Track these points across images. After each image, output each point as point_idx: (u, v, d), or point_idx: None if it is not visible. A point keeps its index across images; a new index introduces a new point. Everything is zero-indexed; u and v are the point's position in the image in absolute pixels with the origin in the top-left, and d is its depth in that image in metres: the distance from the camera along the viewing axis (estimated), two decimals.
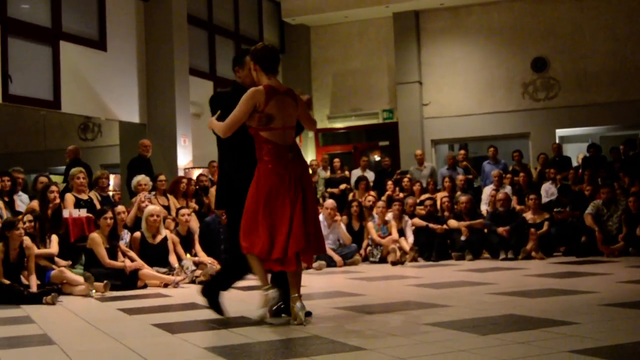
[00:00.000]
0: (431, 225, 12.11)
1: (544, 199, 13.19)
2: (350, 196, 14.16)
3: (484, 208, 13.38)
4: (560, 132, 18.02)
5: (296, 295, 5.49)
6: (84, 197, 10.47)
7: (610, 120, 17.58)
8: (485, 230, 11.86)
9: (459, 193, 13.44)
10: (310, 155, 19.06)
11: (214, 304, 5.90)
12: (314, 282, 9.46)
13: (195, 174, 13.71)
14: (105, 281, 8.43)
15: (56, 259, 8.99)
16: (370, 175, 15.63)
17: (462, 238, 11.85)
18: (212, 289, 5.98)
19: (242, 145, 5.60)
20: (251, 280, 9.60)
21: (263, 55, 5.53)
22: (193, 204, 11.94)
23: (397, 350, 4.17)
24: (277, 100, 5.40)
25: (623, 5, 17.25)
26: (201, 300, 6.00)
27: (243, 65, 5.85)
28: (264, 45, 5.65)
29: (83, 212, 9.99)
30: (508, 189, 13.53)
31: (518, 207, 12.79)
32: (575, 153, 17.71)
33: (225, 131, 5.45)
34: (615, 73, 17.20)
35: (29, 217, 8.79)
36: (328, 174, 15.95)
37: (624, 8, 17.23)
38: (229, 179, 5.80)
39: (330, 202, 12.01)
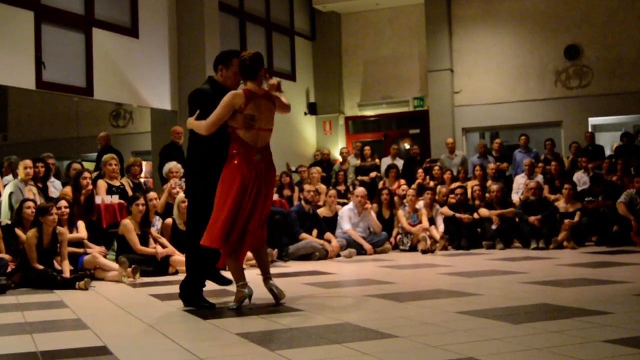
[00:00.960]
0: (457, 214, 12.04)
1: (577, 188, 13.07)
2: (380, 184, 14.14)
3: (516, 197, 13.29)
4: (593, 120, 17.83)
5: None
6: (116, 183, 10.54)
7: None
8: (517, 219, 11.77)
9: (490, 182, 13.36)
10: (340, 142, 19.07)
11: (200, 304, 5.95)
12: (345, 269, 9.48)
13: None
14: (133, 265, 8.48)
15: (89, 243, 9.06)
16: (400, 164, 15.57)
17: (493, 227, 11.78)
18: (190, 294, 6.03)
19: (212, 141, 5.79)
20: (281, 267, 9.67)
21: (241, 68, 5.83)
22: None
23: (429, 339, 4.16)
24: (256, 103, 5.73)
25: None
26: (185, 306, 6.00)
27: (229, 66, 6.02)
28: (242, 60, 5.81)
29: (115, 199, 10.06)
30: (540, 177, 13.42)
31: (550, 197, 12.69)
32: (609, 142, 17.53)
33: (208, 129, 5.69)
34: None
35: (63, 202, 8.84)
36: (358, 161, 15.92)
37: None
38: (196, 171, 5.98)
39: (360, 190, 11.98)
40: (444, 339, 4.17)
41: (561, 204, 11.93)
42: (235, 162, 5.67)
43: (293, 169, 16.13)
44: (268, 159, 5.87)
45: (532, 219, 11.40)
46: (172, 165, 11.25)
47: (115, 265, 8.51)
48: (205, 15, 14.89)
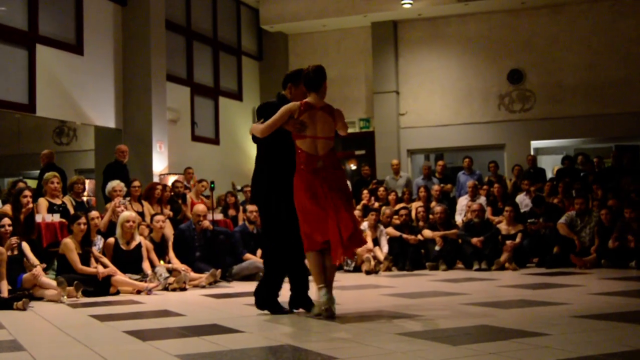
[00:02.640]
0: (405, 235, 12.13)
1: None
2: None
3: (459, 218, 13.43)
4: (535, 143, 18.15)
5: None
6: (58, 201, 10.40)
7: (585, 133, 17.71)
8: (460, 241, 11.90)
9: (434, 203, 13.47)
10: None
11: (275, 309, 6.39)
12: (287, 290, 9.42)
13: (170, 180, 13.66)
14: (75, 282, 8.34)
15: (31, 257, 8.83)
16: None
17: (437, 248, 11.88)
18: (265, 298, 6.42)
19: (280, 149, 6.26)
20: (225, 287, 9.61)
21: (305, 76, 6.25)
22: (168, 211, 11.89)
23: None
24: (310, 114, 6.11)
25: (599, 18, 17.41)
26: (260, 311, 6.41)
27: (298, 85, 6.39)
28: (308, 72, 6.25)
29: (56, 217, 9.93)
30: (483, 199, 13.58)
31: (493, 219, 12.85)
32: (550, 165, 17.84)
33: (263, 132, 6.18)
34: (590, 86, 17.36)
35: (7, 220, 8.64)
36: None
37: (600, 21, 17.40)
38: (264, 178, 6.40)
39: None
40: None
41: (503, 226, 12.08)
42: (300, 170, 6.09)
43: (238, 187, 16.09)
44: (332, 162, 6.18)
45: (474, 240, 11.53)
46: (116, 184, 11.14)
47: (55, 283, 8.37)
48: (151, 33, 14.83)
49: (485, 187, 14.29)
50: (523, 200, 13.75)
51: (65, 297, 8.16)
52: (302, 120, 6.06)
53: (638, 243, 11.03)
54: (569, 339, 4.74)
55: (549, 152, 19.11)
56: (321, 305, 6.03)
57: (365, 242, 6.73)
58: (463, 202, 13.86)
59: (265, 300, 6.44)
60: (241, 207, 13.35)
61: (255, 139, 6.42)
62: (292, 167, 6.17)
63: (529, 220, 12.31)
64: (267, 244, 6.48)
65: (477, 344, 4.61)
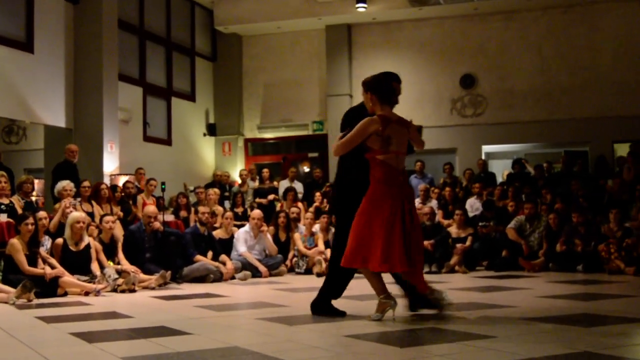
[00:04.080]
0: None
1: (469, 214, 13.37)
2: (278, 207, 14.16)
3: None
4: (486, 148, 18.33)
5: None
6: (5, 201, 10.23)
7: (535, 138, 17.94)
8: None
9: None
10: (239, 165, 18.99)
11: (332, 313, 6.30)
12: (239, 292, 9.44)
13: (121, 180, 13.53)
14: (26, 282, 8.18)
15: None
16: (299, 187, 15.64)
17: None
18: (323, 302, 6.39)
19: (361, 162, 6.00)
20: (174, 289, 9.54)
21: (382, 87, 6.02)
22: (118, 211, 11.78)
23: None
24: (392, 128, 5.84)
25: (550, 26, 17.66)
26: (316, 315, 6.34)
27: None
28: (385, 77, 6.09)
29: (3, 217, 9.78)
30: (434, 203, 13.68)
31: (444, 222, 12.95)
32: (501, 169, 18.03)
33: (338, 151, 6.02)
34: (540, 92, 17.58)
35: None
36: (257, 184, 15.92)
37: (551, 28, 17.64)
38: (346, 189, 6.28)
39: (257, 213, 11.98)
40: None
41: (453, 229, 12.19)
42: (385, 187, 5.79)
43: (191, 189, 16.03)
44: (407, 179, 6.08)
45: (425, 243, 11.58)
46: (66, 184, 11.01)
47: (4, 287, 8.24)
48: (103, 32, 14.67)
49: (436, 190, 14.40)
50: (474, 204, 13.89)
51: (14, 298, 8.02)
52: (388, 135, 5.81)
53: (585, 247, 11.21)
54: (516, 341, 4.79)
55: (499, 157, 19.32)
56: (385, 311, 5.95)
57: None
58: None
59: (320, 305, 6.40)
60: (193, 209, 13.28)
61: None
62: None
63: (480, 224, 12.44)
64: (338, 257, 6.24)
65: (424, 345, 4.65)
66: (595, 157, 16.24)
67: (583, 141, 17.49)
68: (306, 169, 19.12)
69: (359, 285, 9.73)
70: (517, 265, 11.40)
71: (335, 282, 6.46)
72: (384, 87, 6.01)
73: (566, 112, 17.29)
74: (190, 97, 18.74)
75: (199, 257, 10.97)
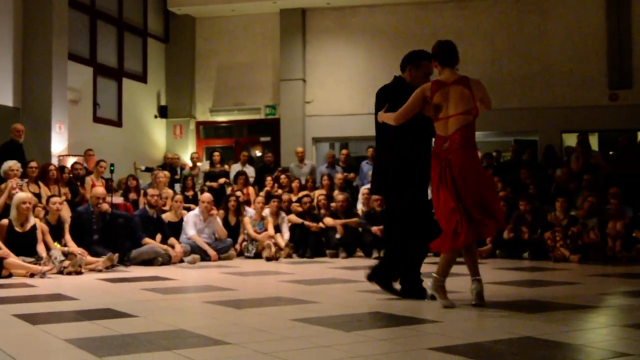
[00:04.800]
0: (306, 222, 12.21)
1: None
2: (229, 190, 14.11)
3: (360, 207, 13.56)
4: None
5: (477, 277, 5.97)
6: None
7: (486, 127, 18.06)
8: (360, 229, 12.04)
9: (336, 192, 13.57)
10: (190, 147, 18.88)
11: (388, 288, 6.36)
12: (187, 275, 9.41)
13: (70, 161, 13.36)
14: None
15: None
16: (250, 171, 15.60)
17: (337, 236, 11.99)
18: (383, 275, 6.41)
19: (403, 137, 6.10)
20: (122, 272, 9.48)
21: (438, 51, 5.95)
22: (66, 192, 11.64)
23: (260, 345, 4.17)
24: (442, 92, 5.77)
25: (502, 15, 17.80)
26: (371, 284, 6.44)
27: (419, 67, 6.29)
28: (439, 41, 6.03)
29: None
30: None
31: None
32: None
33: (398, 119, 5.91)
34: (492, 81, 17.65)
35: None
36: (208, 167, 15.85)
37: (503, 18, 17.79)
38: (387, 167, 6.26)
39: (207, 196, 11.94)
40: (276, 346, 4.19)
41: None
42: (433, 158, 5.83)
43: (142, 168, 15.93)
44: (461, 141, 5.70)
45: (374, 229, 11.67)
46: (12, 164, 10.85)
47: None
48: (53, 10, 14.46)
49: None
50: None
51: None
52: (438, 105, 5.75)
53: (531, 235, 11.38)
54: (459, 327, 4.86)
55: None
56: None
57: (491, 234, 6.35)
58: (366, 191, 13.99)
59: (384, 280, 6.42)
60: (142, 191, 13.17)
61: (379, 125, 6.23)
62: (423, 153, 6.10)
63: None
64: (391, 234, 6.44)
65: (369, 330, 4.68)
66: (544, 147, 16.44)
67: (533, 130, 17.72)
68: (258, 153, 19.07)
69: (306, 270, 9.79)
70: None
71: (392, 258, 6.47)
72: (441, 50, 5.96)
73: (517, 102, 17.48)
74: (142, 78, 18.56)
75: (147, 239, 10.90)
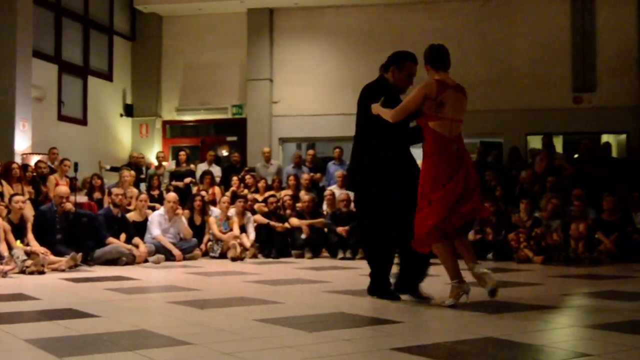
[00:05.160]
0: (272, 222, 12.21)
1: None
2: (195, 190, 14.07)
3: (325, 208, 13.58)
4: None
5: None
6: None
7: None
8: (326, 230, 12.06)
9: (303, 192, 13.58)
10: (156, 147, 18.77)
11: (388, 296, 6.26)
12: (151, 275, 9.36)
13: (33, 160, 13.23)
14: None
15: None
16: (217, 170, 15.56)
17: (303, 236, 12.00)
18: (375, 285, 6.41)
19: (403, 133, 6.17)
20: (85, 272, 9.41)
21: (431, 54, 6.00)
22: (29, 190, 11.53)
23: (223, 346, 4.17)
24: (449, 93, 5.86)
25: (468, 18, 17.91)
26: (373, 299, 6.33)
27: (402, 69, 6.29)
28: (432, 45, 6.08)
29: None
30: None
31: None
32: (419, 156, 18.22)
33: (396, 116, 5.90)
34: (459, 83, 17.79)
35: None
36: (174, 166, 15.78)
37: (469, 21, 17.89)
38: (367, 163, 6.25)
39: (172, 196, 11.90)
40: (239, 346, 4.18)
41: None
42: (437, 156, 5.79)
43: (107, 167, 15.81)
44: (462, 147, 5.94)
45: (340, 229, 11.70)
46: None
47: None
48: (18, 7, 14.33)
49: None
50: None
51: None
52: (440, 101, 5.81)
53: (496, 236, 11.48)
54: (422, 327, 4.90)
55: (417, 146, 19.52)
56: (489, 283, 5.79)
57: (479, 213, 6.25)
58: (330, 192, 14.00)
59: (375, 288, 6.40)
60: (107, 190, 13.08)
61: (372, 122, 6.18)
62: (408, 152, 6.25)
63: None
64: (366, 241, 6.47)
65: (332, 330, 4.69)
66: (509, 149, 16.57)
67: (498, 132, 17.85)
68: (224, 153, 19.02)
69: (272, 270, 9.79)
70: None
71: (380, 266, 6.43)
72: (434, 54, 6.01)
73: (483, 104, 17.55)
74: (108, 76, 18.42)
75: (111, 239, 10.82)
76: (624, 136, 17.22)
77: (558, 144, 17.46)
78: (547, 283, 8.20)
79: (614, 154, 16.11)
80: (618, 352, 3.98)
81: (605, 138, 17.07)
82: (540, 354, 4.05)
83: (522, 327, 4.92)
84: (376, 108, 6.07)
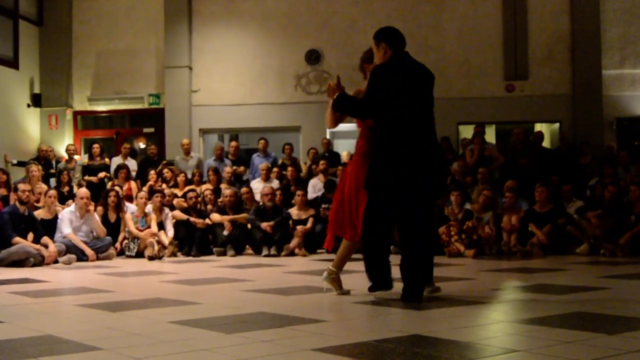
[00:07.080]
0: (192, 218, 12.13)
1: (312, 195, 13.54)
2: (109, 185, 13.88)
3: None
4: None
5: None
6: None
7: None
8: (249, 226, 12.03)
9: (224, 185, 13.52)
10: (67, 138, 18.45)
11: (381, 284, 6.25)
12: (61, 277, 9.22)
13: None
14: None
15: None
16: (132, 164, 15.39)
17: (225, 233, 11.95)
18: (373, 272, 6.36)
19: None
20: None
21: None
22: None
23: (134, 350, 4.13)
24: None
25: (397, 4, 18.00)
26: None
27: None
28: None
29: None
30: (275, 183, 13.78)
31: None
32: (347, 149, 18.33)
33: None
34: None
35: None
36: (86, 160, 15.54)
37: (398, 7, 17.98)
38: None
39: (84, 191, 11.71)
40: (151, 350, 4.15)
41: (294, 211, 12.33)
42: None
43: (13, 162, 15.50)
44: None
45: (264, 225, 11.69)
46: None
47: None
48: None
49: (276, 169, 14.50)
50: (317, 185, 14.06)
51: None
52: None
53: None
54: (345, 326, 4.93)
55: (345, 137, 19.62)
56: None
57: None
58: (256, 185, 14.00)
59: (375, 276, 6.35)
60: (13, 186, 12.80)
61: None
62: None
63: (323, 206, 12.61)
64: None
65: (251, 331, 4.68)
66: (440, 139, 16.75)
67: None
68: (141, 145, 18.81)
69: (191, 269, 9.73)
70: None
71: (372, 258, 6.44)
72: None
73: None
74: (13, 64, 18.01)
75: (17, 239, 10.60)
76: (556, 125, 17.57)
77: (491, 133, 17.77)
78: (478, 277, 8.35)
79: (547, 143, 16.44)
80: (547, 347, 4.07)
81: (538, 127, 17.43)
82: (467, 351, 4.10)
83: (450, 323, 4.99)
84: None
